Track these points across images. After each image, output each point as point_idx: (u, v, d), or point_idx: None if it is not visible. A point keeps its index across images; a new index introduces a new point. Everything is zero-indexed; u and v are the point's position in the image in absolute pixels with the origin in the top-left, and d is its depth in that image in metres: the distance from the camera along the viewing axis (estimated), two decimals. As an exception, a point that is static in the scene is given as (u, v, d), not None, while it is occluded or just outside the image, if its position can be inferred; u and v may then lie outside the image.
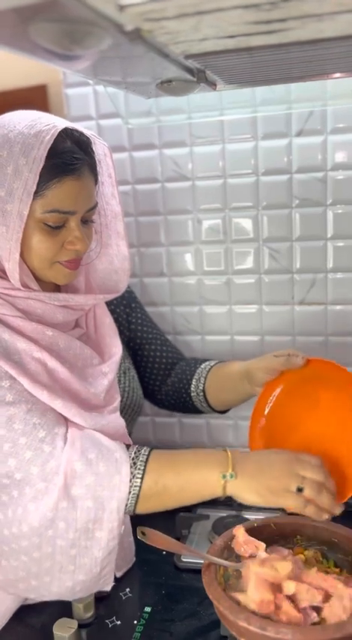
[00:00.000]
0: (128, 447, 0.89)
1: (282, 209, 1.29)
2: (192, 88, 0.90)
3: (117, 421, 0.99)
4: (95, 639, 0.92)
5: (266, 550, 0.88)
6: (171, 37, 0.60)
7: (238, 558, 0.90)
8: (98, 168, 0.96)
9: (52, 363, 0.91)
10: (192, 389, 1.21)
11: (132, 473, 0.84)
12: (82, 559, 0.84)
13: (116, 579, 1.02)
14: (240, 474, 0.86)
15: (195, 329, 1.40)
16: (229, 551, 0.90)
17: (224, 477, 0.85)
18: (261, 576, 0.80)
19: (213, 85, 0.95)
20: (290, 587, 0.80)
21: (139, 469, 0.85)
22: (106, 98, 1.30)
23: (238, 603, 0.79)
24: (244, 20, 0.56)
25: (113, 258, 1.05)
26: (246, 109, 1.23)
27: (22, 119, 0.88)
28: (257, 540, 0.89)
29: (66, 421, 0.90)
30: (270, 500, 0.85)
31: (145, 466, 0.86)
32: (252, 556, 0.88)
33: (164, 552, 1.10)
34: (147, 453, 0.88)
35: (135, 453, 0.87)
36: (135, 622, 0.94)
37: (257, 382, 1.10)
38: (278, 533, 0.95)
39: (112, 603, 0.99)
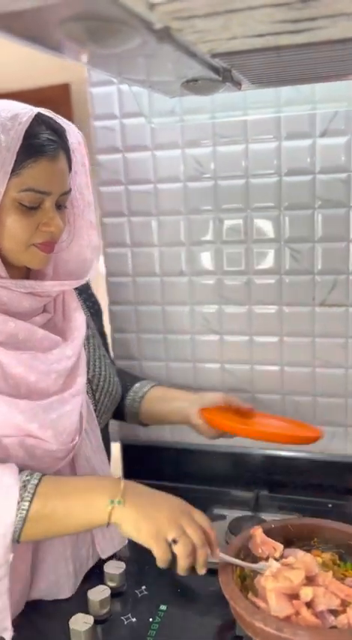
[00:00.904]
0: (21, 471, 0.88)
1: (304, 210, 1.28)
2: (217, 87, 0.90)
3: (75, 410, 0.98)
4: (110, 635, 0.93)
5: (283, 551, 0.88)
6: (200, 35, 0.60)
7: (255, 559, 0.90)
8: (72, 156, 0.97)
9: (7, 359, 0.91)
10: (127, 400, 1.27)
11: (21, 496, 0.83)
12: None
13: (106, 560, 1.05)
14: (128, 503, 0.85)
15: (214, 329, 1.40)
16: (246, 552, 0.90)
17: (112, 502, 0.84)
18: (280, 591, 0.80)
19: (238, 84, 0.95)
20: (307, 593, 0.80)
21: (29, 492, 0.84)
22: (130, 97, 1.30)
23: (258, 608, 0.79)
24: (274, 19, 0.56)
25: (84, 248, 1.05)
26: (270, 108, 1.22)
27: None
28: (275, 542, 0.89)
29: None
30: (143, 539, 0.84)
31: (35, 489, 0.85)
32: (269, 557, 0.88)
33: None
34: (39, 477, 0.87)
35: (26, 476, 0.87)
36: (151, 619, 0.95)
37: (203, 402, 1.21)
38: (295, 535, 0.95)
39: (128, 600, 1.00)
